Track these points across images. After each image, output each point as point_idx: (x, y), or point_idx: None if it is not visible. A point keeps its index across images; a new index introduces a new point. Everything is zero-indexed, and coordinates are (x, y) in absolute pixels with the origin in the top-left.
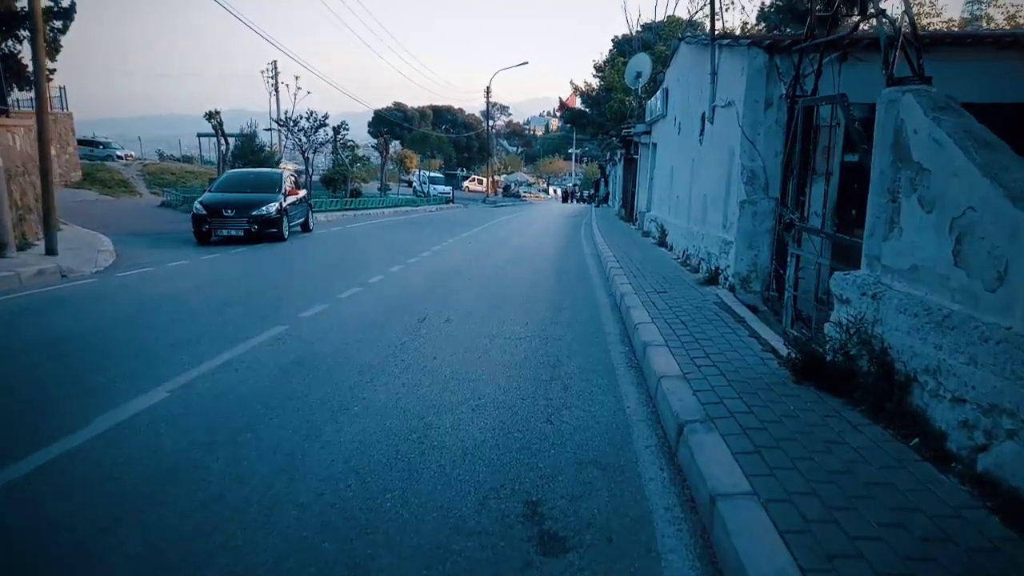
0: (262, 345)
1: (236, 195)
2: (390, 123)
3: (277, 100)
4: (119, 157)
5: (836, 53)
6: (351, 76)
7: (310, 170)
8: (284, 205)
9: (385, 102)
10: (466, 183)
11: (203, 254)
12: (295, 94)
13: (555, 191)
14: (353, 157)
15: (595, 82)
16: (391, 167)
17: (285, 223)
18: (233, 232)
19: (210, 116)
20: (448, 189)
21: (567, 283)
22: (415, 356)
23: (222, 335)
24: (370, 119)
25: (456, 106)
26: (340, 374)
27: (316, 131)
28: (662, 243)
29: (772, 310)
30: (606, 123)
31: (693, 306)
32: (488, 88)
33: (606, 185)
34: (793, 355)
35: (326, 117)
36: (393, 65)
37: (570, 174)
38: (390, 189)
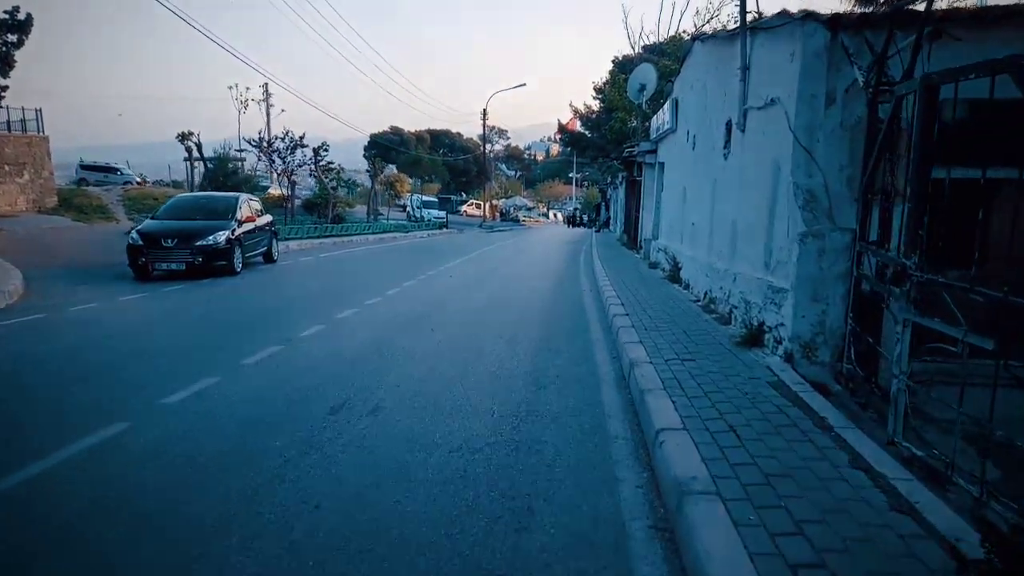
0: (61, 467)
1: (180, 223)
2: (386, 147)
3: (268, 122)
4: (139, 183)
5: (928, 29)
6: (350, 102)
7: (293, 194)
8: (238, 234)
9: (383, 127)
10: (464, 207)
11: (126, 294)
12: (267, 111)
13: (555, 215)
14: (338, 181)
15: (595, 104)
16: (380, 191)
17: (237, 254)
18: (174, 266)
19: (183, 137)
20: (442, 214)
21: (558, 338)
22: (278, 510)
23: (24, 442)
24: (366, 143)
25: (455, 130)
26: None
27: (292, 152)
28: (675, 278)
29: (847, 389)
30: (607, 146)
31: (739, 391)
32: (485, 110)
33: (607, 209)
34: (992, 558)
35: (302, 137)
36: (388, 91)
37: (570, 198)
38: (382, 214)
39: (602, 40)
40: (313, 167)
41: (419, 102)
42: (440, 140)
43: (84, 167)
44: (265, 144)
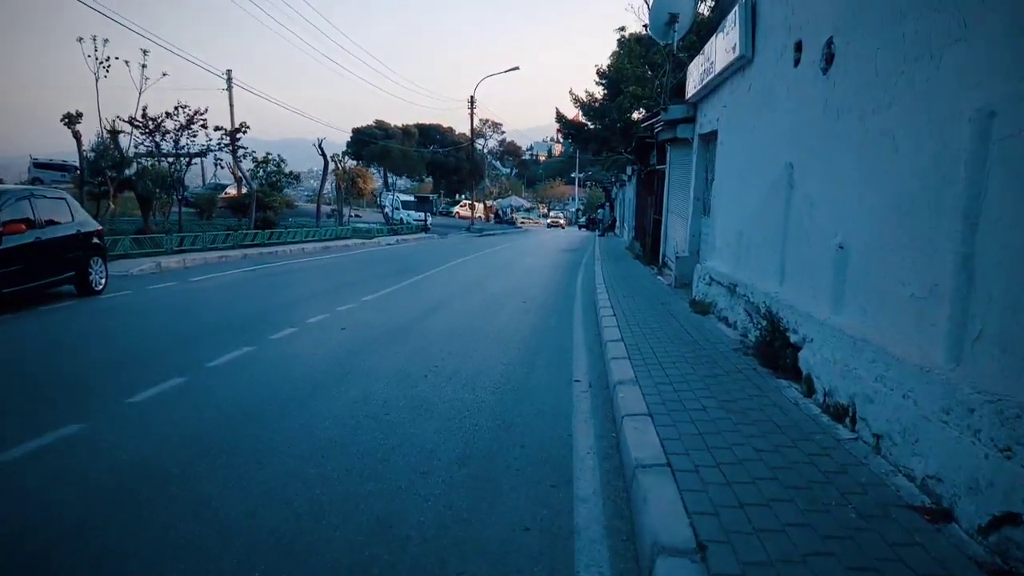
0: None
1: None
2: (366, 142)
3: (232, 109)
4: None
5: None
6: (343, 102)
7: (182, 188)
8: None
9: (368, 122)
10: (457, 209)
11: None
12: (143, 79)
13: (556, 216)
14: (278, 175)
15: (598, 92)
16: (342, 187)
17: None
18: None
19: (70, 121)
20: (422, 215)
21: None
22: None
23: None
24: (348, 140)
25: (446, 124)
26: None
27: (185, 130)
28: (772, 360)
29: None
30: (611, 138)
31: None
32: (472, 98)
33: (612, 211)
34: None
35: (203, 112)
36: (375, 84)
37: (573, 198)
38: (359, 216)
39: (610, 35)
40: (221, 153)
41: (409, 93)
42: (430, 135)
43: (38, 165)
44: (150, 121)
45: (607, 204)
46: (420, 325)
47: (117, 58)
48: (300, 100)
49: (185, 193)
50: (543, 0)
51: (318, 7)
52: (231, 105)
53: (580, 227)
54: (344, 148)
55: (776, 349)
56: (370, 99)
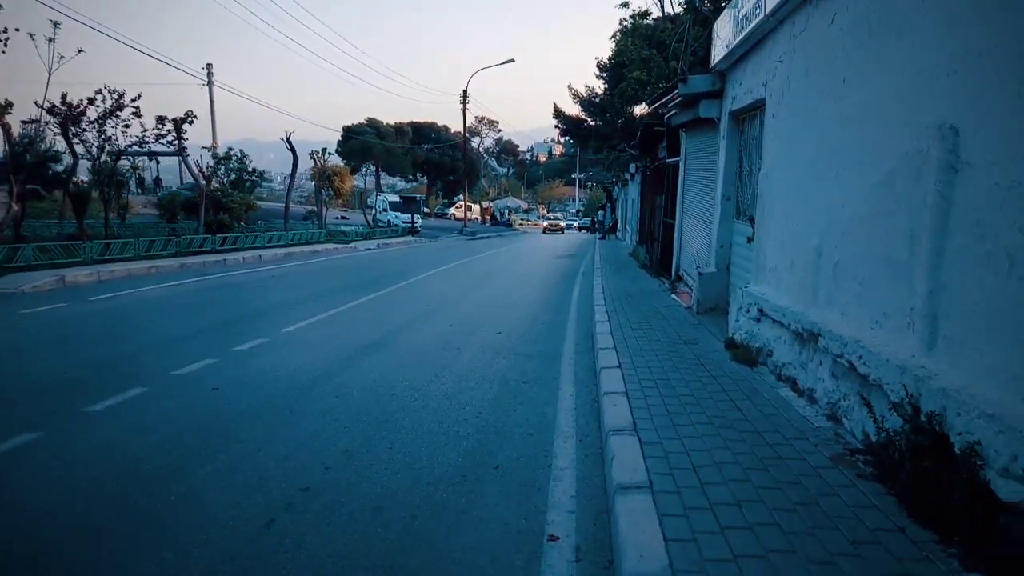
0: None
1: None
2: (356, 140)
3: (212, 105)
4: None
5: None
6: (346, 102)
7: (113, 187)
8: None
9: (359, 120)
10: (452, 210)
11: None
12: (53, 56)
13: (555, 218)
14: (239, 172)
15: (599, 86)
16: (300, 186)
17: None
18: None
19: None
20: (408, 217)
21: None
22: None
23: None
24: (339, 139)
25: (441, 123)
26: None
27: (111, 117)
28: (935, 508)
29: None
30: (612, 134)
31: None
32: (465, 92)
33: (613, 212)
34: None
35: (136, 99)
36: (372, 83)
37: (573, 199)
38: (346, 217)
39: (611, 31)
40: (178, 148)
41: (408, 91)
42: (424, 133)
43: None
44: (71, 109)
45: (608, 205)
46: (333, 383)
47: (17, 29)
48: (299, 102)
49: (159, 193)
50: (545, 0)
51: (313, 7)
52: (211, 101)
53: (580, 229)
54: (336, 147)
55: (955, 499)
56: (367, 99)
